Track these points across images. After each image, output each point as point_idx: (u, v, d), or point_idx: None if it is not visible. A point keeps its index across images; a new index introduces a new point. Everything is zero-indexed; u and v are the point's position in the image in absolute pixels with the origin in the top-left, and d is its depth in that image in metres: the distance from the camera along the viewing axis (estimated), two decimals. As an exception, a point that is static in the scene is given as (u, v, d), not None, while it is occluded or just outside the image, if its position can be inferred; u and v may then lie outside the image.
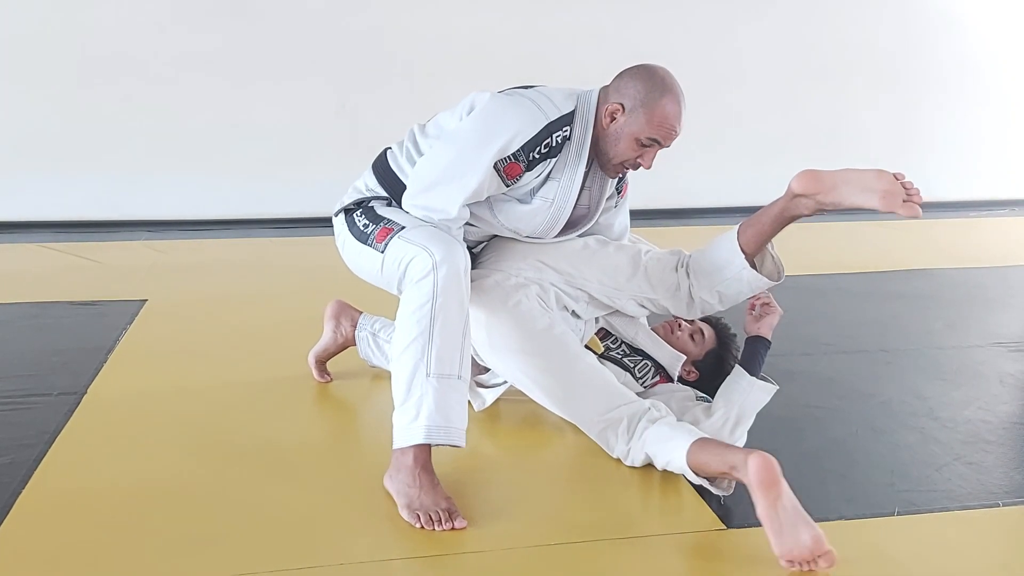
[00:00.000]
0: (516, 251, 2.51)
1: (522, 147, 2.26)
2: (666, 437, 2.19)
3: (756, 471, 1.92)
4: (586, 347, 2.54)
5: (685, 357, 2.61)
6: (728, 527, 2.04)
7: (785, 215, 2.40)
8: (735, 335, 2.69)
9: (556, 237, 2.51)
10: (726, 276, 2.49)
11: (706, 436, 2.17)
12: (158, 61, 5.01)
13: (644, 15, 5.41)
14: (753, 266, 2.49)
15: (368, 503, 2.12)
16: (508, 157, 2.26)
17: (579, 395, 2.36)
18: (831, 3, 5.70)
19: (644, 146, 2.33)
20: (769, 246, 2.51)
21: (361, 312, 2.85)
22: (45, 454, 2.32)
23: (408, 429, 2.13)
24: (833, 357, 3.17)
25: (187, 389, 2.77)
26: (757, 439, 2.45)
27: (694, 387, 2.59)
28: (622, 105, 2.31)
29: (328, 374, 2.83)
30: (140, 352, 3.07)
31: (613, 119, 2.32)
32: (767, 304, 2.59)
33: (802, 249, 4.65)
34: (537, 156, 2.29)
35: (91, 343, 3.12)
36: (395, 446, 2.15)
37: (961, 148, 6.00)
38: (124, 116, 5.03)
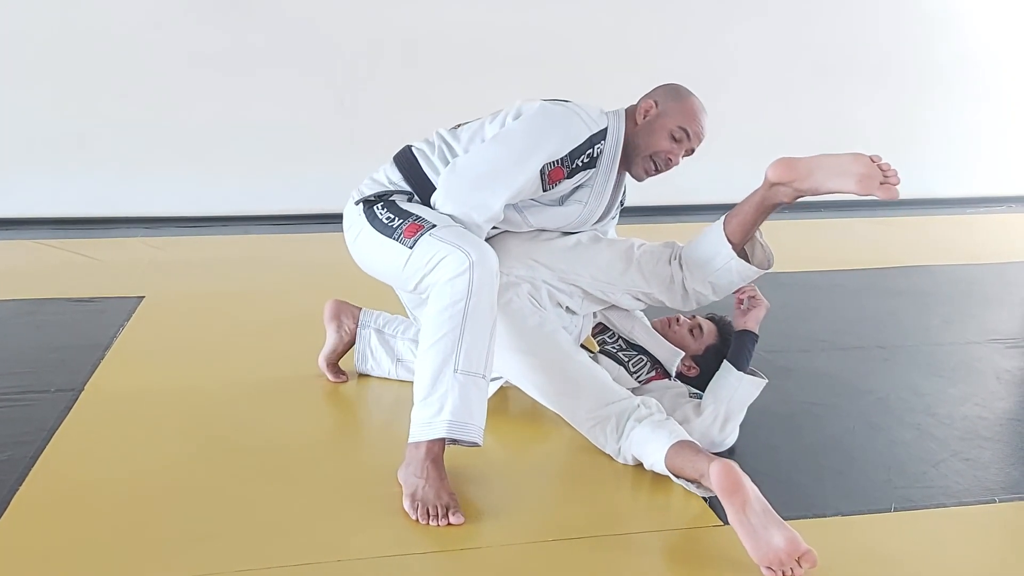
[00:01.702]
0: (508, 250, 2.51)
1: (569, 153, 2.37)
2: (648, 439, 2.20)
3: (717, 479, 1.91)
4: (582, 346, 2.54)
5: (684, 353, 2.61)
6: (724, 523, 2.04)
7: (765, 204, 2.42)
8: None
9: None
10: (716, 267, 2.50)
11: (684, 439, 2.16)
12: (155, 58, 5.00)
13: (641, 11, 5.41)
14: (744, 255, 2.50)
15: (365, 500, 2.12)
16: (555, 161, 2.36)
17: (569, 392, 2.37)
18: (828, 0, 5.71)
19: (675, 139, 2.46)
20: (758, 234, 2.52)
21: (361, 308, 2.84)
22: (43, 451, 2.32)
23: (430, 424, 2.13)
24: (830, 353, 3.17)
25: (184, 386, 2.76)
26: (754, 435, 2.45)
27: (695, 383, 2.60)
28: (655, 102, 2.49)
29: (343, 373, 2.83)
30: (137, 349, 3.07)
31: (646, 114, 2.48)
32: (753, 297, 2.59)
33: (799, 245, 4.66)
34: (580, 164, 2.39)
35: (88, 340, 3.12)
36: (413, 439, 2.14)
37: (958, 145, 6.00)
38: (121, 113, 5.02)
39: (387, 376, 2.81)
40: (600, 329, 2.63)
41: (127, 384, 2.77)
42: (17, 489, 2.13)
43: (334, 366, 2.83)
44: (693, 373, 2.63)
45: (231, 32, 5.06)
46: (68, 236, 4.69)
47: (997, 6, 5.93)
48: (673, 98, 2.48)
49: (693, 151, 2.52)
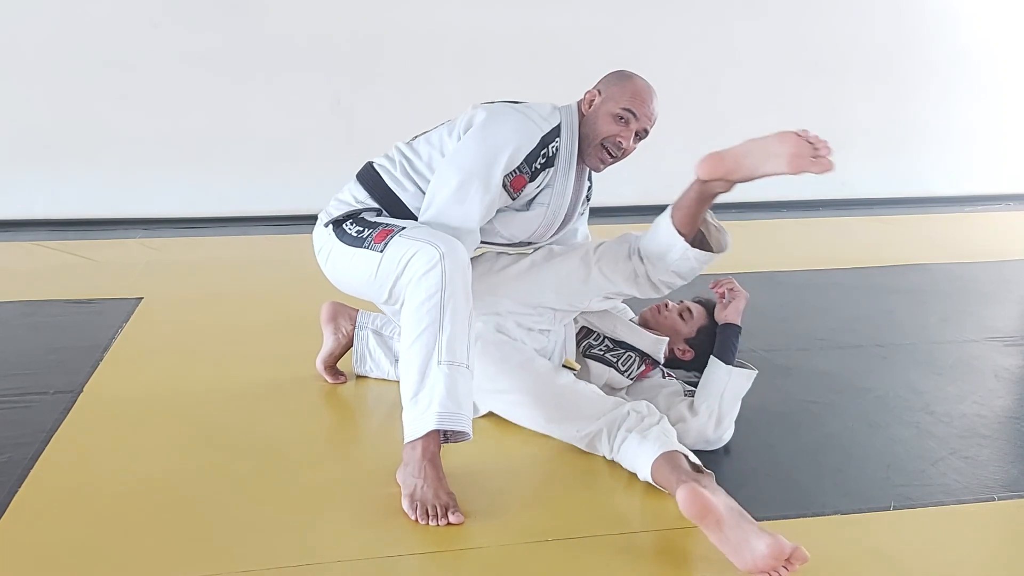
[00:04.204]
0: None
1: (525, 159, 2.36)
2: (636, 453, 2.18)
3: (684, 508, 1.90)
4: (564, 366, 2.54)
5: (667, 340, 2.60)
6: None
7: (705, 195, 2.41)
8: None
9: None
10: (674, 258, 2.48)
11: (667, 451, 2.12)
12: (153, 58, 5.00)
13: (638, 11, 5.41)
14: (702, 240, 2.49)
15: (364, 500, 2.12)
16: (514, 170, 2.35)
17: (557, 418, 2.36)
18: (826, -2, 5.72)
19: (621, 121, 2.43)
20: (708, 216, 2.50)
21: (358, 310, 2.84)
22: (41, 452, 2.32)
23: (420, 419, 2.13)
24: (829, 352, 3.17)
25: (183, 387, 2.76)
26: (753, 434, 2.46)
27: (690, 365, 2.61)
28: (598, 91, 2.49)
29: (341, 374, 2.83)
30: (136, 350, 3.07)
31: (591, 104, 2.47)
32: (732, 290, 2.59)
33: (797, 244, 4.67)
34: (538, 167, 2.39)
35: (87, 341, 3.12)
36: (408, 439, 2.14)
37: (955, 143, 6.01)
38: (119, 114, 5.02)
39: (386, 377, 2.81)
40: (584, 334, 2.63)
41: (126, 386, 2.77)
42: (16, 491, 2.13)
43: (332, 368, 2.83)
44: (688, 356, 2.63)
45: (228, 33, 5.05)
46: (66, 237, 4.69)
47: (994, 4, 5.93)
48: (615, 82, 2.46)
49: (647, 132, 2.47)
